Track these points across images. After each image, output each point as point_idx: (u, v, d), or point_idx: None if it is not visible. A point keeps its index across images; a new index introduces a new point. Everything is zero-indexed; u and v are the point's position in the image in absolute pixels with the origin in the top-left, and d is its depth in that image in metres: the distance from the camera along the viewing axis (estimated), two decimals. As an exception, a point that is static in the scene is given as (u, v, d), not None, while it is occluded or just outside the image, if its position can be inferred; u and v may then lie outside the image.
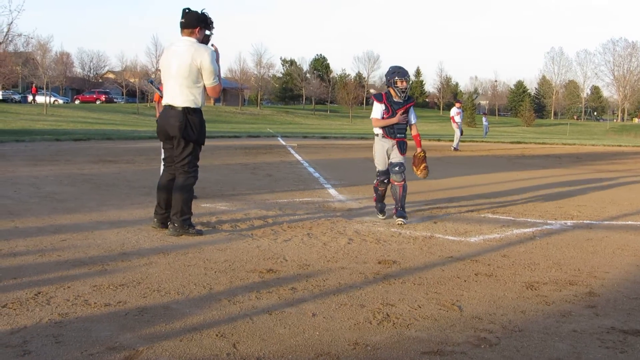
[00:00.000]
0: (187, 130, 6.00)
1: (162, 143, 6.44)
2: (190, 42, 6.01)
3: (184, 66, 5.93)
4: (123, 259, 5.13)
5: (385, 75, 7.56)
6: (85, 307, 3.90)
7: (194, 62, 5.92)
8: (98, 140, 21.47)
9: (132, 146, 19.12)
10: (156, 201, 6.41)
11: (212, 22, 6.21)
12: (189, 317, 3.78)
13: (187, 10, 6.04)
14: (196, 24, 6.04)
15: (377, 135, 7.40)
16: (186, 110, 6.00)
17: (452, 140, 24.22)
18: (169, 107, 6.06)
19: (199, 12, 6.10)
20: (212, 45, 6.25)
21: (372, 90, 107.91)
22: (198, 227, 6.32)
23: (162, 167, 6.60)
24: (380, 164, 7.43)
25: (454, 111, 23.59)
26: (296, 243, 5.97)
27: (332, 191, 10.02)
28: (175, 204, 6.10)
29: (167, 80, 6.12)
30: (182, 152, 6.09)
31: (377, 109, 7.38)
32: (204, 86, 6.08)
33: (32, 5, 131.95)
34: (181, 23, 6.03)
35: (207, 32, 6.22)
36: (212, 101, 69.18)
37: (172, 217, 6.14)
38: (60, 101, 69.35)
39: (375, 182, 7.50)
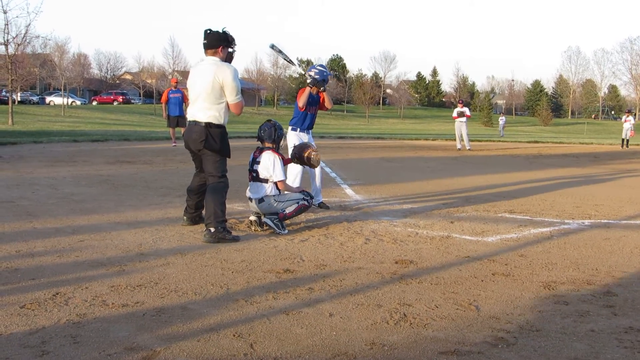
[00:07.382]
0: (208, 141, 6.05)
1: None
2: (213, 60, 6.08)
3: (206, 83, 6.00)
4: (140, 260, 5.16)
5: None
6: (103, 308, 3.93)
7: (217, 79, 5.97)
8: (115, 141, 21.58)
9: (150, 147, 19.20)
10: (186, 203, 6.62)
11: (234, 40, 6.26)
12: (206, 318, 3.80)
13: (208, 32, 6.11)
14: (218, 44, 6.08)
15: None
16: (208, 125, 6.07)
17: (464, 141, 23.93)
18: (194, 123, 6.14)
19: (220, 31, 6.15)
20: None
21: (388, 90, 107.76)
22: (235, 233, 6.21)
23: None
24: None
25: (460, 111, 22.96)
26: (313, 243, 5.97)
27: (349, 191, 10.02)
28: (208, 208, 6.08)
29: (192, 98, 6.20)
30: (209, 163, 6.17)
31: None
32: (227, 104, 6.13)
33: (49, 7, 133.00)
34: (204, 44, 6.11)
35: (230, 50, 6.26)
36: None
37: (206, 222, 6.05)
38: (78, 102, 69.91)
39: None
